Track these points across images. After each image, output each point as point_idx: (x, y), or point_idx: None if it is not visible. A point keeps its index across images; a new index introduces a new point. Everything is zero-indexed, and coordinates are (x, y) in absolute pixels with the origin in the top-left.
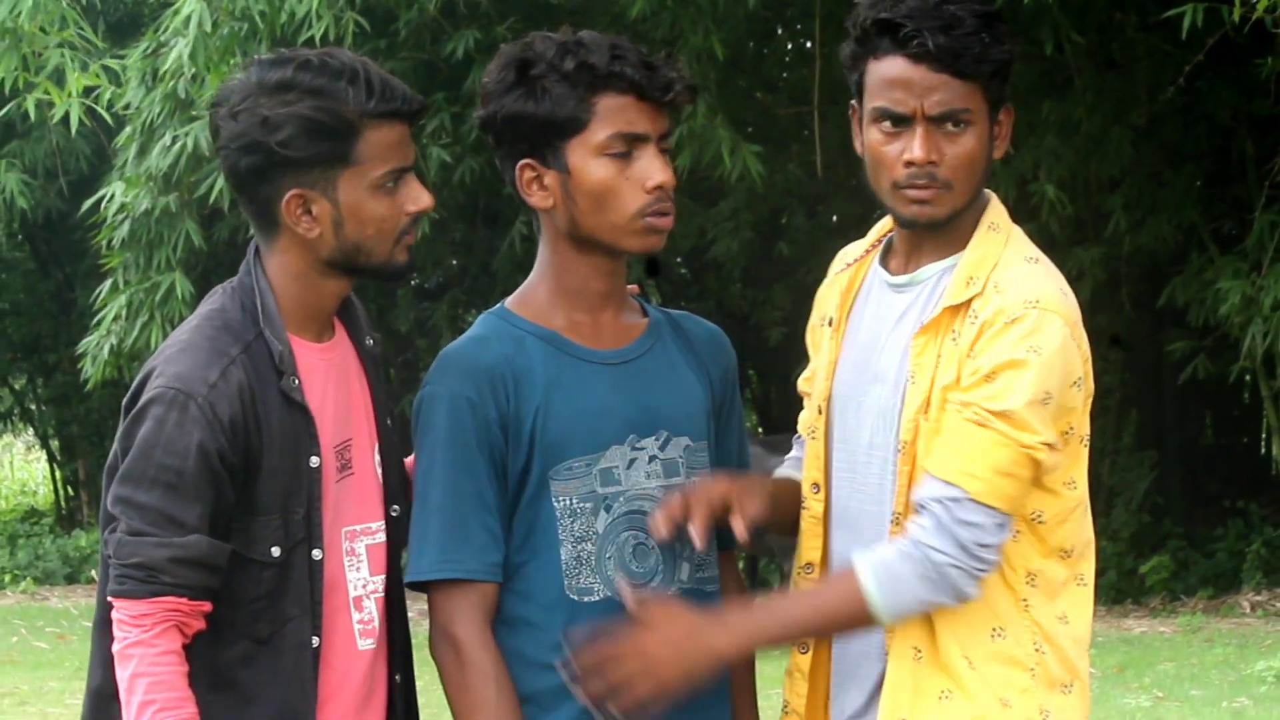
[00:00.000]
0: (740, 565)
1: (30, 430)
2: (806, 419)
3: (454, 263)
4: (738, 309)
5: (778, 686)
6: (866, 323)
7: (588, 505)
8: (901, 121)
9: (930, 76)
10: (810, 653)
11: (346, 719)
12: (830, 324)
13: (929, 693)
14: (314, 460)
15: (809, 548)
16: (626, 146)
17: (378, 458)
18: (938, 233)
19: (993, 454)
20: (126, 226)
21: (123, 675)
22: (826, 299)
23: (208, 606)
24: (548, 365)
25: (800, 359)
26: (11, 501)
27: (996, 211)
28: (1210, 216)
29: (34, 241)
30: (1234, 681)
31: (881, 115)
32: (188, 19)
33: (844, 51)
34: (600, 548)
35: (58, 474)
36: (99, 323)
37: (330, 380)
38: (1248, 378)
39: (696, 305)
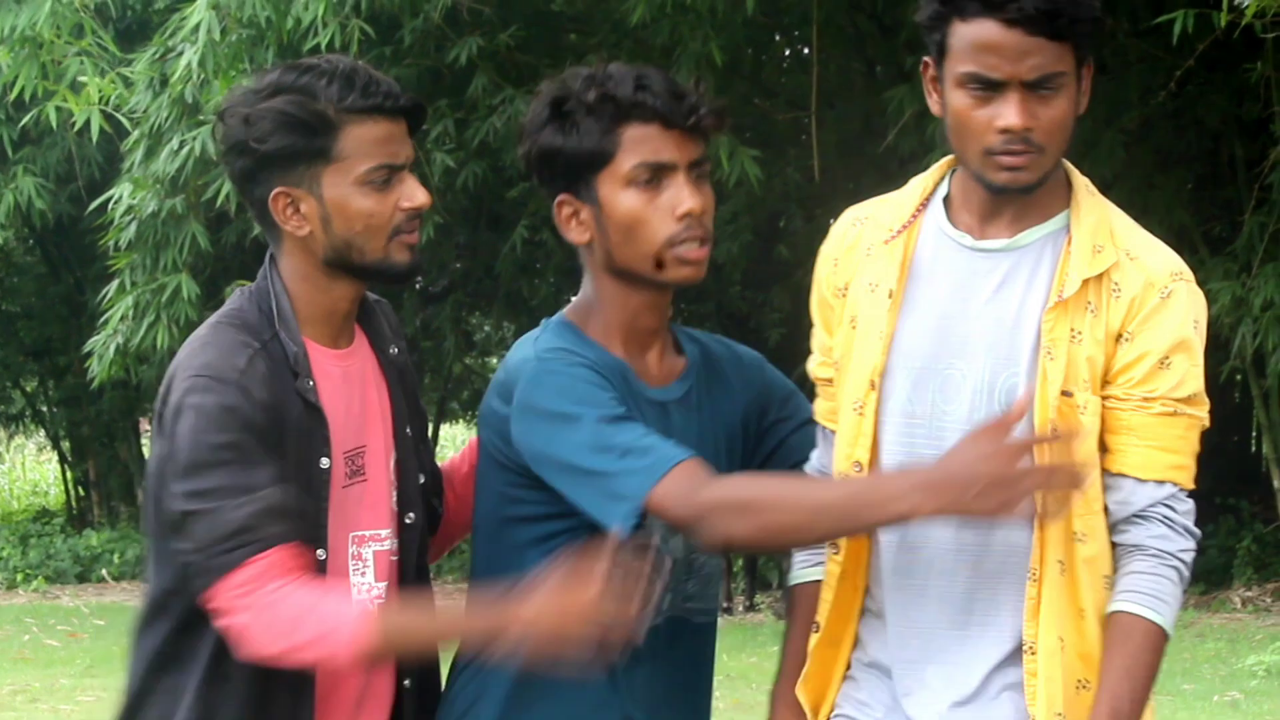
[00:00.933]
0: (739, 563)
1: (41, 431)
2: (834, 405)
3: (458, 266)
4: (737, 310)
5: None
6: (943, 291)
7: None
8: (993, 86)
9: (1026, 40)
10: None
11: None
12: (887, 294)
13: (1069, 683)
14: (324, 462)
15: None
16: (654, 175)
17: (393, 466)
18: (1030, 195)
19: (1189, 441)
20: (134, 228)
21: (266, 650)
22: (869, 267)
23: (305, 549)
24: (624, 391)
25: (798, 360)
26: (23, 502)
27: (1078, 174)
28: (1201, 218)
29: (45, 246)
30: (1225, 675)
31: (970, 79)
32: (197, 27)
33: (923, 11)
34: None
35: (68, 474)
36: (106, 322)
37: (345, 387)
38: (1238, 377)
39: (697, 307)
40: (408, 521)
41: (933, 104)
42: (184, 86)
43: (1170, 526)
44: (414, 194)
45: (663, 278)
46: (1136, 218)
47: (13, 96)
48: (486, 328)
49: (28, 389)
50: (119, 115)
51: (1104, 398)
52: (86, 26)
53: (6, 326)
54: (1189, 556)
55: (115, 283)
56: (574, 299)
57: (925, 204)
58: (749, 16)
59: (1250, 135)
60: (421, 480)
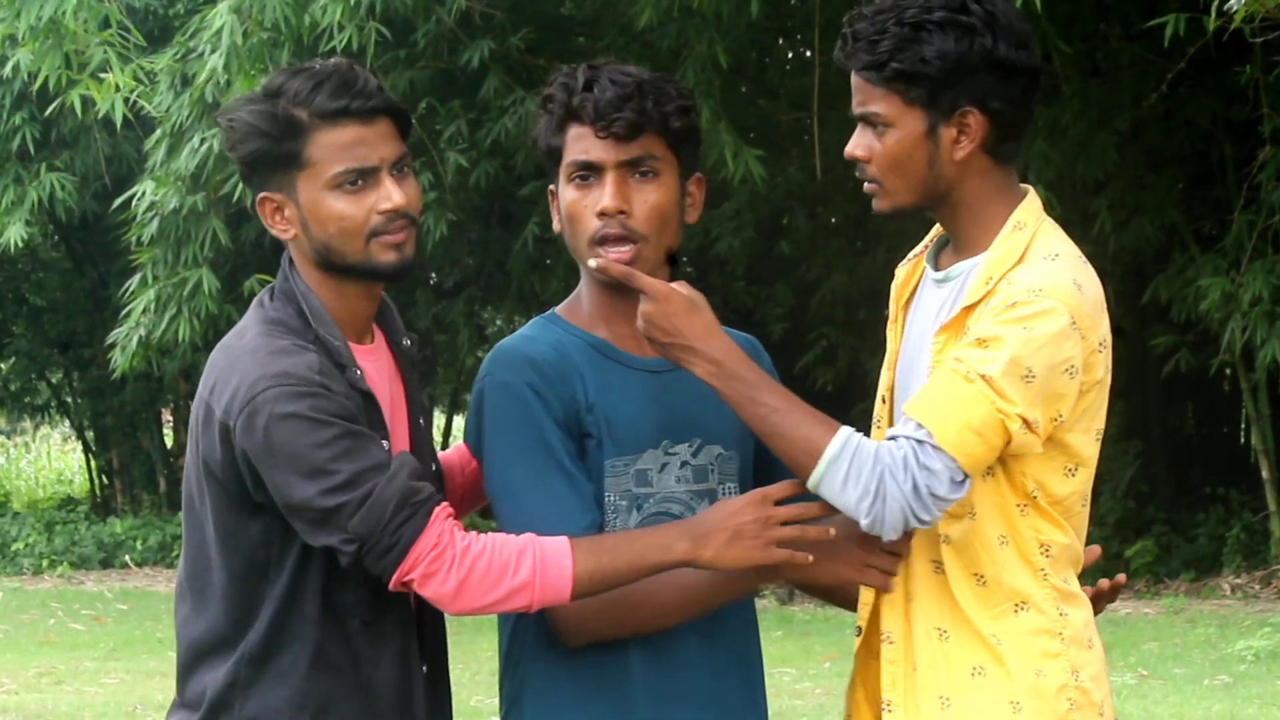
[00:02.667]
0: None
1: (66, 422)
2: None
3: (470, 262)
4: (741, 305)
5: (786, 666)
6: (917, 317)
7: (624, 503)
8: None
9: (854, 79)
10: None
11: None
12: (893, 319)
13: (960, 670)
14: (385, 444)
15: None
16: (586, 173)
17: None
18: (963, 231)
19: (969, 408)
20: (156, 224)
21: (481, 599)
22: (892, 298)
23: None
24: (595, 369)
25: (801, 354)
26: (49, 490)
27: (1028, 210)
28: (1191, 217)
29: (70, 242)
30: (1215, 660)
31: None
32: (219, 30)
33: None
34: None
35: (93, 464)
36: (128, 315)
37: (377, 378)
38: (1228, 370)
39: None
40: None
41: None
42: (205, 87)
43: (905, 461)
44: (390, 195)
45: (590, 273)
46: (1129, 216)
47: (36, 86)
48: (499, 321)
49: (53, 380)
50: (144, 109)
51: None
52: (111, 17)
53: (33, 320)
54: (895, 494)
55: (137, 277)
56: None
57: (934, 239)
58: (753, 20)
59: (1239, 136)
60: (433, 468)
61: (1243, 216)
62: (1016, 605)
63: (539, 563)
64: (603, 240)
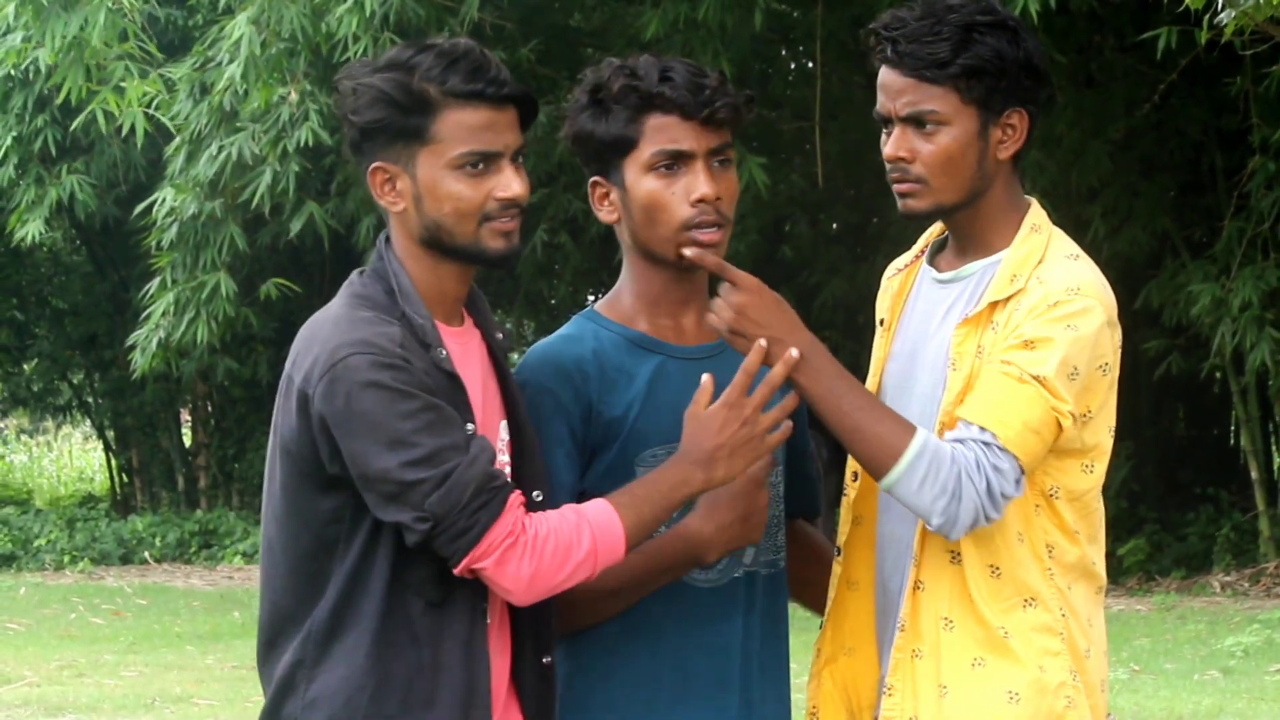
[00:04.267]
0: None
1: (87, 421)
2: None
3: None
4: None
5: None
6: (916, 318)
7: None
8: (887, 122)
9: (899, 80)
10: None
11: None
12: (883, 324)
13: (960, 661)
14: (470, 427)
15: (841, 531)
16: (672, 161)
17: (503, 444)
18: (978, 232)
19: (1027, 408)
20: (175, 229)
21: (551, 581)
22: (880, 304)
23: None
24: (641, 363)
25: None
26: (70, 488)
27: (1038, 214)
28: (1183, 224)
29: (91, 246)
30: (1205, 656)
31: (876, 117)
32: (237, 41)
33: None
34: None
35: (113, 462)
36: (148, 318)
37: (465, 359)
38: (1218, 374)
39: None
40: (536, 498)
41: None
42: (223, 95)
43: (978, 462)
44: (509, 185)
45: (674, 258)
46: (1121, 223)
47: (60, 100)
48: (508, 324)
49: (75, 381)
50: (162, 119)
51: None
52: (130, 31)
53: (55, 322)
54: (971, 496)
55: (157, 281)
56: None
57: (928, 245)
58: (757, 33)
59: (1229, 146)
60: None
61: (1233, 224)
62: (1026, 600)
63: (595, 532)
64: (699, 226)
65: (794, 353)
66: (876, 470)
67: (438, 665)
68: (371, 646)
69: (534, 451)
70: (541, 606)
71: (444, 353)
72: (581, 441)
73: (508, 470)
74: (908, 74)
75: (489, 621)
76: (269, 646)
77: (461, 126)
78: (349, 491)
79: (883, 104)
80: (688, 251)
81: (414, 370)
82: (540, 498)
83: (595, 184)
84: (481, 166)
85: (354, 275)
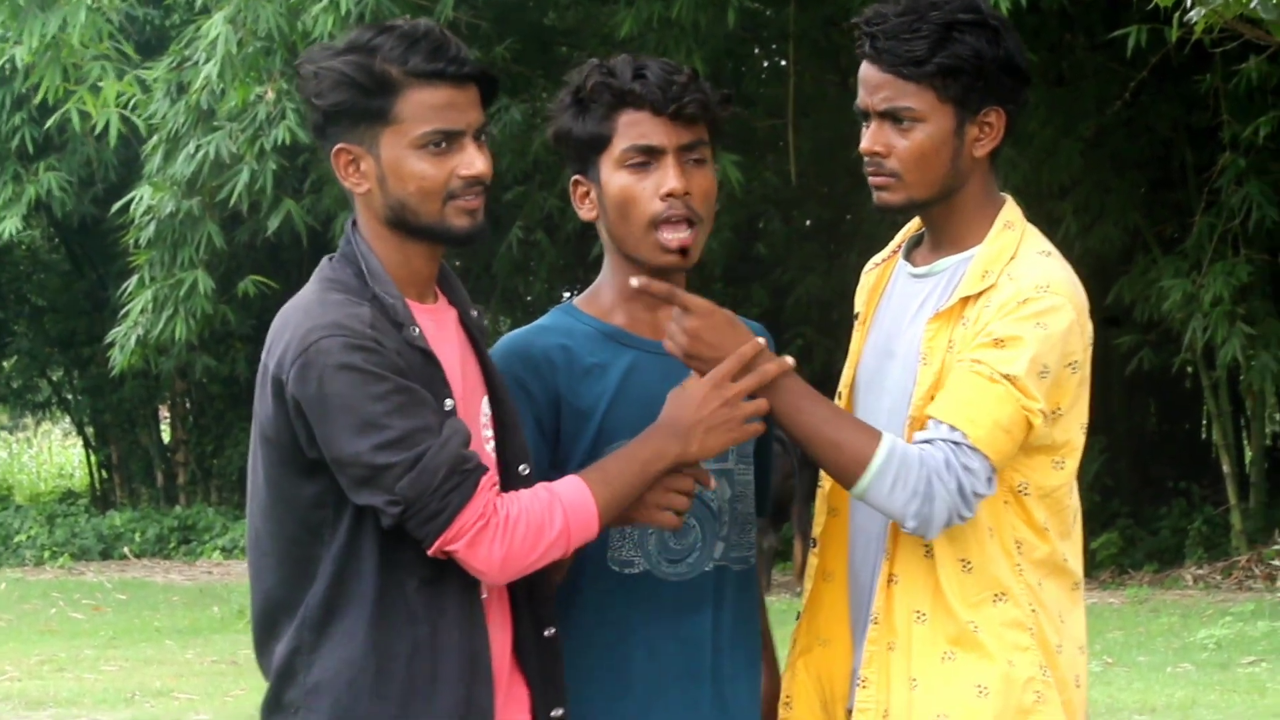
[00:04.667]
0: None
1: (67, 418)
2: None
3: (457, 263)
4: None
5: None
6: (890, 313)
7: None
8: (866, 116)
9: (878, 76)
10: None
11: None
12: (858, 319)
13: (930, 654)
14: (448, 403)
15: (816, 524)
16: (644, 157)
17: (485, 419)
18: (952, 228)
19: (997, 407)
20: (152, 227)
21: (524, 560)
22: (857, 299)
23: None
24: (616, 357)
25: (779, 350)
26: (50, 484)
27: (1012, 211)
28: (1154, 220)
29: (69, 244)
30: (1178, 648)
31: (856, 110)
32: (214, 40)
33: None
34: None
35: (92, 458)
36: (126, 315)
37: (440, 335)
38: (1189, 369)
39: None
40: (522, 472)
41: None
42: (200, 94)
43: (948, 462)
44: (473, 162)
45: (645, 258)
46: (1093, 220)
47: (38, 100)
48: (484, 321)
49: (54, 378)
50: (137, 120)
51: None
52: (105, 32)
53: (34, 320)
54: (942, 496)
55: (135, 278)
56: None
57: (904, 241)
58: (730, 31)
59: (1200, 142)
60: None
61: (1203, 220)
62: (996, 595)
63: (567, 510)
64: (666, 221)
65: (789, 360)
66: (847, 480)
67: (437, 642)
68: (369, 628)
69: (516, 426)
70: (537, 579)
71: (417, 330)
72: (550, 430)
73: (491, 445)
74: (886, 70)
75: (485, 595)
76: (264, 636)
77: (424, 106)
78: (330, 475)
79: (862, 98)
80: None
81: (385, 352)
82: (526, 471)
83: (576, 182)
84: (444, 145)
85: (324, 260)
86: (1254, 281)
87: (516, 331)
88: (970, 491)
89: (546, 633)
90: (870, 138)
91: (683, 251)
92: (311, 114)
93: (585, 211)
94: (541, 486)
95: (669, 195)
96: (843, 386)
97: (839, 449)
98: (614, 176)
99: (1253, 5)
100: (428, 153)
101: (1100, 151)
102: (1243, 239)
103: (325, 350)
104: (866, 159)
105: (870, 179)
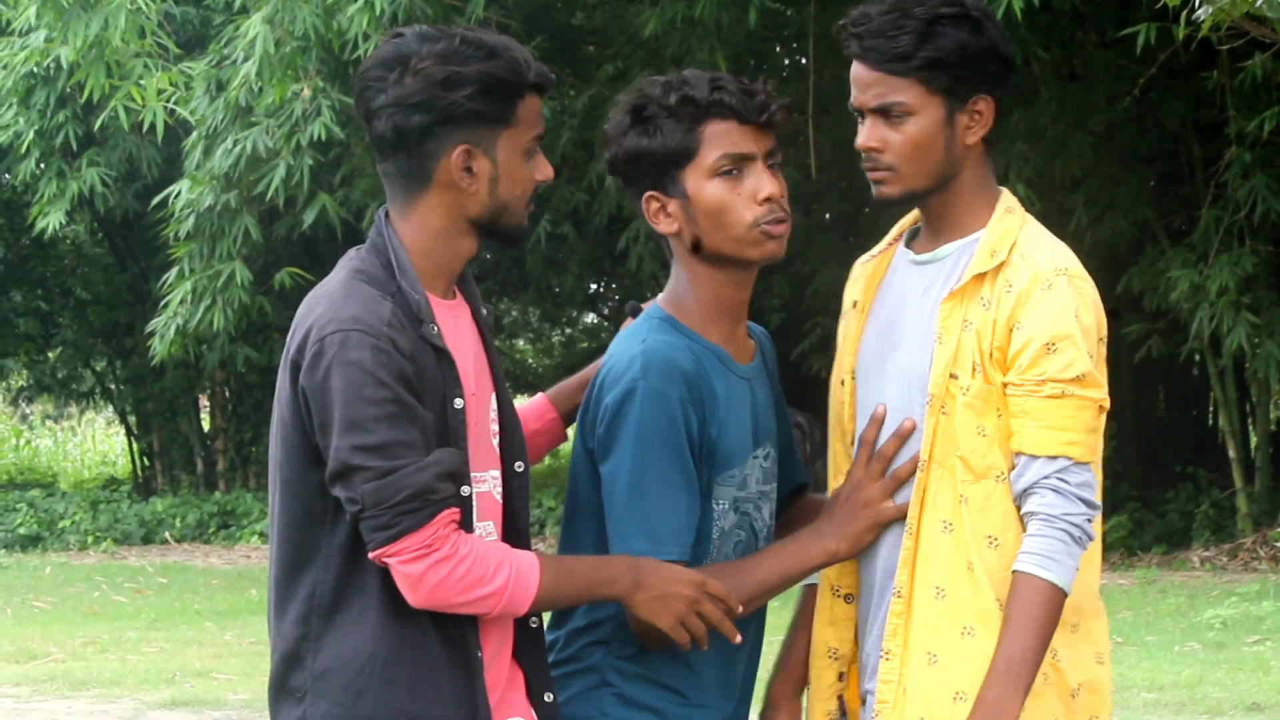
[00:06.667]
0: None
1: (110, 407)
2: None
3: (489, 256)
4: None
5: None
6: (891, 299)
7: (727, 505)
8: (860, 114)
9: (868, 74)
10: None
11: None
12: (855, 306)
13: (950, 628)
14: (458, 402)
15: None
16: (735, 166)
17: (493, 414)
18: (951, 215)
19: (1077, 418)
20: (192, 220)
21: (451, 599)
22: (851, 289)
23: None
24: (722, 382)
25: (797, 341)
26: (93, 471)
27: (1010, 199)
28: (1162, 213)
29: (112, 239)
30: (1185, 628)
31: (850, 109)
32: (252, 39)
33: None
34: (721, 542)
35: (134, 446)
36: (166, 305)
37: (457, 332)
38: (1196, 357)
39: None
40: (517, 469)
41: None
42: (239, 92)
43: (1060, 494)
44: (546, 168)
45: (748, 255)
46: (1103, 212)
47: (84, 98)
48: (514, 312)
49: (97, 369)
50: (181, 113)
51: (1004, 385)
52: (147, 29)
53: (78, 312)
54: (1081, 520)
55: (175, 270)
56: (665, 290)
57: (903, 232)
58: (751, 30)
59: (1207, 137)
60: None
61: (1210, 212)
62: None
63: (513, 576)
64: (773, 223)
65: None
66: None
67: (443, 630)
68: (380, 616)
69: (516, 425)
70: None
71: (435, 329)
72: (694, 447)
73: (497, 441)
74: (874, 68)
75: None
76: (274, 613)
77: (534, 112)
78: None
79: (855, 97)
80: None
81: (395, 355)
82: (521, 468)
83: (651, 198)
84: (534, 150)
85: (352, 250)
86: (1259, 272)
87: (659, 349)
88: (1091, 498)
89: (532, 623)
90: (865, 134)
91: (780, 241)
92: (418, 115)
93: (664, 225)
94: (502, 546)
95: (768, 199)
96: (844, 374)
97: (1049, 621)
98: (706, 186)
99: (1259, 3)
100: (529, 157)
101: (1110, 146)
102: (1248, 231)
103: (338, 343)
104: (864, 155)
105: (869, 174)
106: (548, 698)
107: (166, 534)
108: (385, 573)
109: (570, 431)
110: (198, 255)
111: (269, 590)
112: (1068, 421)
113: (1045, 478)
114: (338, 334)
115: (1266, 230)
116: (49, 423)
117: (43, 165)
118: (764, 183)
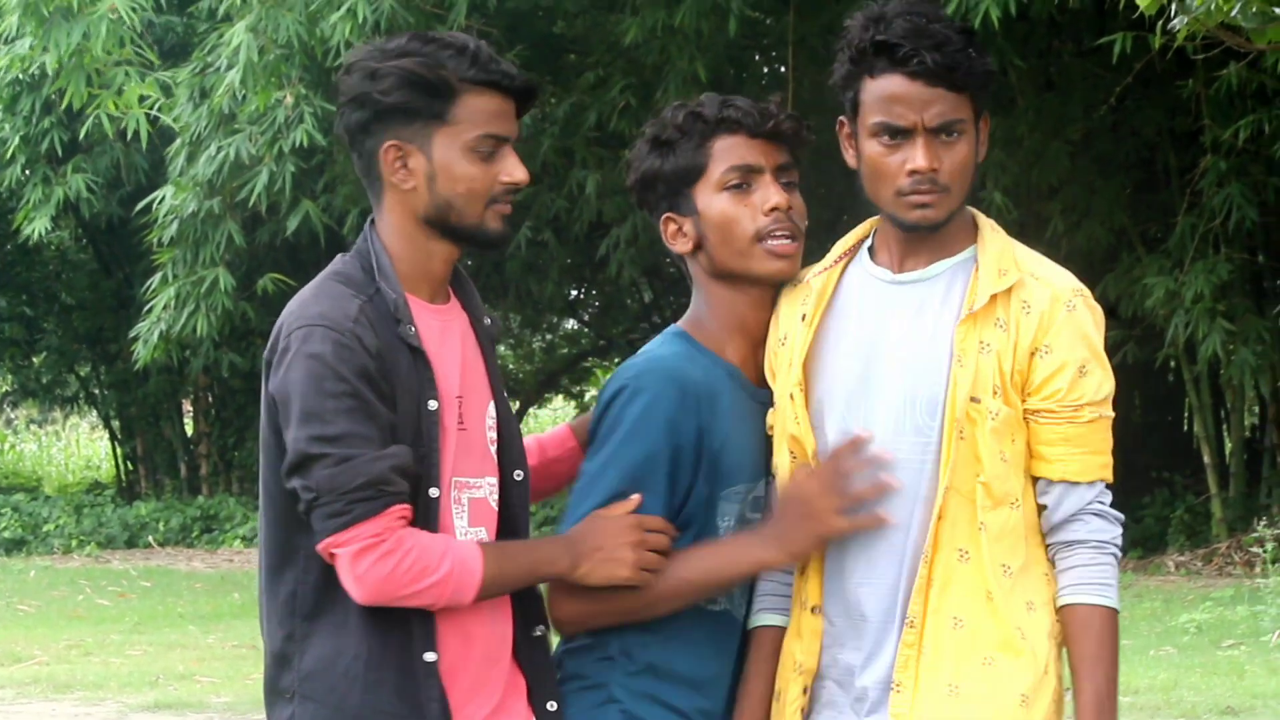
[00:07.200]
0: None
1: (94, 412)
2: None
3: (470, 262)
4: None
5: None
6: (868, 318)
7: (732, 521)
8: (900, 134)
9: (927, 91)
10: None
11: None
12: (804, 320)
13: (971, 659)
14: (432, 404)
15: None
16: (743, 179)
17: (491, 422)
18: (936, 233)
19: (1109, 439)
20: (175, 226)
21: (399, 590)
22: (794, 303)
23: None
24: (732, 400)
25: None
26: (77, 475)
27: (981, 216)
28: (1138, 220)
29: (97, 245)
30: (1160, 632)
31: (882, 129)
32: (236, 47)
33: (836, 73)
34: None
35: (118, 451)
36: (149, 311)
37: (444, 338)
38: (1172, 363)
39: (685, 300)
40: (516, 478)
41: (849, 158)
42: (222, 99)
43: (1103, 518)
44: (514, 170)
45: (755, 270)
46: (1080, 220)
47: (63, 105)
48: (497, 330)
49: (81, 374)
50: (165, 120)
51: (1032, 411)
52: (127, 38)
53: (62, 317)
54: (1120, 540)
55: (158, 276)
56: (686, 312)
57: (850, 253)
58: (731, 39)
59: (1183, 145)
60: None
61: (1185, 220)
62: (1029, 604)
63: (455, 566)
64: (771, 235)
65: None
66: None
67: (428, 632)
68: (360, 618)
69: (516, 435)
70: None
71: (412, 329)
72: (689, 463)
73: (495, 448)
74: (932, 84)
75: None
76: (263, 612)
77: (478, 111)
78: None
79: (901, 115)
80: None
81: (358, 351)
82: (520, 477)
83: (667, 220)
84: (492, 151)
85: (338, 256)
86: (1234, 279)
87: (665, 358)
88: (1115, 517)
89: (535, 632)
90: (925, 155)
91: (788, 259)
92: (356, 111)
93: (680, 246)
94: (444, 537)
95: (773, 210)
96: (793, 386)
97: (1115, 647)
98: (714, 201)
99: (1233, 13)
100: (478, 156)
101: (1087, 154)
102: (1223, 238)
103: (301, 338)
104: (917, 178)
105: (915, 198)
106: (551, 706)
107: (150, 538)
108: None
109: None
110: (181, 261)
111: (259, 587)
112: (1102, 444)
113: (1089, 504)
114: (302, 329)
115: (1241, 238)
116: (33, 427)
117: (28, 171)
118: (770, 194)
